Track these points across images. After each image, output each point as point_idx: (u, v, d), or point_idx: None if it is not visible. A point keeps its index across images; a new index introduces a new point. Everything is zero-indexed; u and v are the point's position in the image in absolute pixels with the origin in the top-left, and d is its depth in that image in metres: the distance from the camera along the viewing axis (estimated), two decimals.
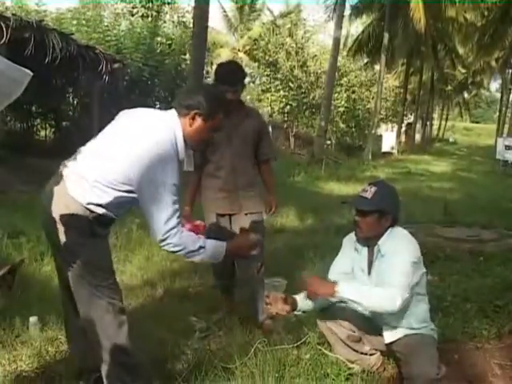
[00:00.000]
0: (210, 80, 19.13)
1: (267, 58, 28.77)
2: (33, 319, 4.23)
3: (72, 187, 2.86)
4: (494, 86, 79.37)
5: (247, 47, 34.64)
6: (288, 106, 28.64)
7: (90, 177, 2.86)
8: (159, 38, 18.80)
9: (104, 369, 3.04)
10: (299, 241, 7.75)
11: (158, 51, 18.41)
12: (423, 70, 42.26)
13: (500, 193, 14.11)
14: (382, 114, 38.54)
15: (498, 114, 56.40)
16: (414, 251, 3.32)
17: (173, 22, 22.98)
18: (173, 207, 2.87)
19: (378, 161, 26.60)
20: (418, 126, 49.83)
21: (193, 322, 4.56)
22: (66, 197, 2.86)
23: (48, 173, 3.06)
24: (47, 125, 17.65)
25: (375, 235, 3.39)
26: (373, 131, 30.38)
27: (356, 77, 33.54)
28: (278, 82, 28.73)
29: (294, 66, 28.71)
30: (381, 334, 3.49)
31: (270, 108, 29.09)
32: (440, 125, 64.12)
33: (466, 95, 63.62)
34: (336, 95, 29.16)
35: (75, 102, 18.38)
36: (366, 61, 37.59)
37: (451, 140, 64.59)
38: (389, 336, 3.46)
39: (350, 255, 3.61)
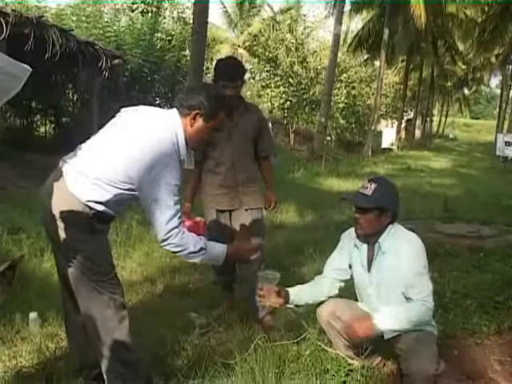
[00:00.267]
0: (209, 76, 19.12)
1: (267, 53, 28.69)
2: (33, 315, 4.23)
3: (72, 184, 2.86)
4: (494, 82, 79.45)
5: (247, 43, 34.59)
6: (288, 102, 28.56)
7: (91, 174, 2.86)
8: (159, 34, 18.78)
9: (104, 364, 3.04)
10: (299, 237, 7.74)
11: (158, 47, 18.38)
12: (423, 66, 42.28)
13: (500, 189, 14.10)
14: (382, 110, 38.62)
15: (497, 110, 56.54)
16: (423, 251, 3.35)
17: (173, 17, 22.95)
18: (174, 208, 2.88)
19: (377, 157, 26.57)
20: (418, 122, 49.82)
21: (193, 318, 4.56)
22: (65, 193, 2.86)
23: (48, 169, 3.06)
24: (47, 121, 17.60)
25: (375, 232, 3.39)
26: (373, 127, 30.37)
27: (356, 73, 33.49)
28: (277, 78, 28.65)
29: (294, 62, 28.63)
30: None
31: (269, 104, 29.02)
32: (440, 121, 64.07)
33: (466, 91, 63.53)
34: (336, 91, 29.12)
35: (75, 98, 18.34)
36: (366, 57, 37.61)
37: (451, 136, 64.53)
38: (388, 332, 3.46)
39: (348, 251, 3.61)
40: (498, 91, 65.12)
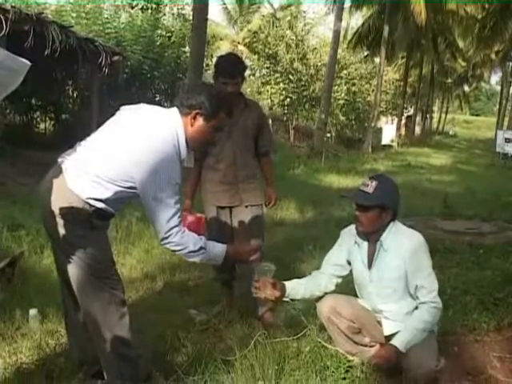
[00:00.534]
0: (209, 73, 19.09)
1: (267, 50, 28.64)
2: (33, 312, 4.24)
3: (71, 181, 2.86)
4: (494, 79, 79.32)
5: (247, 40, 34.57)
6: (288, 99, 28.53)
7: (91, 172, 2.86)
8: (159, 31, 18.74)
9: (104, 361, 3.05)
10: (299, 233, 7.75)
11: (158, 44, 18.36)
12: (423, 63, 42.22)
13: (500, 186, 14.09)
14: (382, 107, 38.55)
15: (497, 106, 56.49)
16: (426, 249, 3.39)
17: (172, 14, 22.89)
18: (175, 206, 2.89)
19: (377, 153, 26.55)
20: (418, 118, 49.83)
21: (192, 315, 4.56)
22: (65, 190, 2.85)
23: (48, 165, 3.06)
24: (47, 117, 17.58)
25: (376, 230, 3.39)
26: (373, 124, 30.36)
27: (356, 69, 33.47)
28: (277, 75, 28.63)
29: (294, 59, 28.59)
30: (380, 325, 3.52)
31: (269, 101, 29.00)
32: (440, 118, 64.03)
33: (466, 88, 63.51)
34: (336, 88, 29.09)
35: (75, 95, 18.33)
36: (366, 53, 37.54)
37: (451, 133, 64.53)
38: (388, 328, 3.47)
39: (347, 248, 3.62)
40: (498, 88, 65.14)
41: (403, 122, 41.84)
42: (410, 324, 3.30)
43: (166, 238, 2.91)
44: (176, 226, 2.90)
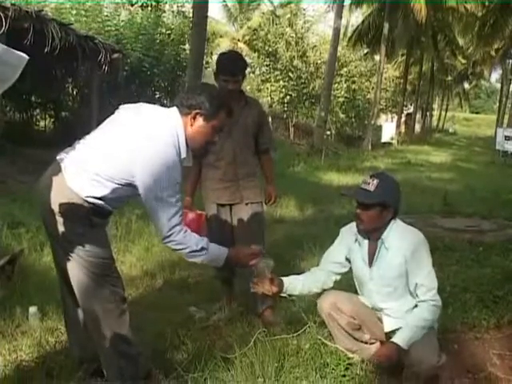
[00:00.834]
0: (209, 70, 19.10)
1: (267, 48, 28.63)
2: (33, 309, 4.24)
3: (70, 178, 2.86)
4: (494, 76, 79.29)
5: (247, 37, 34.57)
6: (288, 97, 28.53)
7: (91, 170, 2.86)
8: (159, 29, 18.73)
9: (104, 358, 3.05)
10: (299, 231, 7.75)
11: (158, 41, 18.34)
12: (423, 61, 42.24)
13: (499, 183, 14.10)
14: (382, 105, 38.56)
15: (497, 104, 56.49)
16: (427, 247, 3.40)
17: (172, 11, 22.87)
18: (176, 205, 2.90)
19: (377, 151, 26.57)
20: (418, 116, 49.83)
21: (192, 312, 4.57)
22: (64, 188, 2.85)
23: (47, 163, 3.05)
24: (46, 115, 17.57)
25: (377, 228, 3.39)
26: (372, 121, 30.37)
27: (356, 67, 33.43)
28: (277, 73, 28.62)
29: (294, 56, 28.59)
30: (381, 322, 3.52)
31: (269, 98, 29.00)
32: (440, 115, 64.03)
33: (466, 85, 63.50)
34: (336, 85, 29.08)
35: (74, 93, 18.33)
36: (366, 51, 37.61)
37: (451, 130, 64.53)
38: (389, 325, 3.48)
39: (347, 246, 3.62)
40: (498, 85, 65.15)
41: (403, 119, 41.86)
42: (410, 321, 3.30)
43: (168, 236, 2.91)
44: (178, 225, 2.91)
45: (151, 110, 3.10)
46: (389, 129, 35.51)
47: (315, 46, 30.77)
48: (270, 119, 21.28)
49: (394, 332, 3.37)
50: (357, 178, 14.17)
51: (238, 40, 35.51)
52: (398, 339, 3.24)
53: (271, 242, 6.02)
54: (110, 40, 15.74)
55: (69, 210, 2.84)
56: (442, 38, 38.47)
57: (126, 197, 3.03)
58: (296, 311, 4.41)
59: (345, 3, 25.98)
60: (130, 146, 2.85)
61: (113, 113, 3.10)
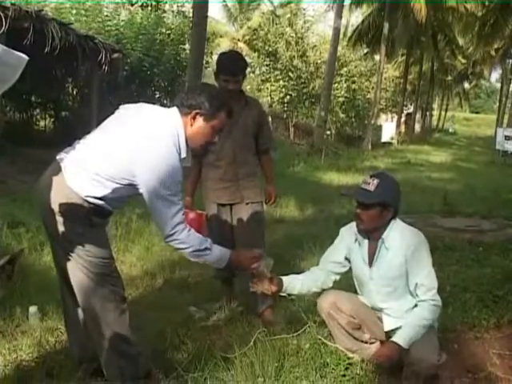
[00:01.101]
0: (209, 70, 19.09)
1: (267, 47, 28.62)
2: (33, 309, 4.24)
3: (70, 178, 2.86)
4: (494, 76, 79.23)
5: (247, 37, 34.58)
6: (288, 96, 28.52)
7: (91, 170, 2.86)
8: (160, 29, 18.72)
9: (104, 358, 3.05)
10: (299, 231, 7.75)
11: (158, 41, 18.34)
12: (423, 60, 42.21)
13: (499, 183, 14.09)
14: (382, 104, 38.56)
15: (497, 104, 56.49)
16: (427, 247, 3.41)
17: (172, 11, 22.86)
18: (178, 203, 2.91)
19: (377, 151, 26.55)
20: (418, 116, 49.79)
21: (192, 312, 4.57)
22: (64, 187, 2.85)
23: (47, 163, 3.05)
24: (47, 115, 17.56)
25: (377, 227, 3.39)
26: (372, 121, 30.36)
27: (356, 67, 33.41)
28: (277, 72, 28.61)
29: (294, 56, 28.58)
30: (381, 322, 3.53)
31: (269, 98, 29.00)
32: (440, 115, 64.03)
33: (465, 85, 63.46)
34: (336, 85, 29.06)
35: (74, 92, 18.33)
36: (365, 51, 37.58)
37: (451, 130, 64.43)
38: (389, 324, 3.48)
39: (347, 245, 3.62)
40: (498, 85, 65.14)
41: (403, 119, 41.83)
42: (410, 321, 3.31)
43: (171, 235, 2.91)
44: (181, 223, 2.91)
45: (151, 109, 3.10)
46: (389, 129, 35.50)
47: (315, 45, 30.75)
48: (269, 119, 21.28)
49: (393, 331, 3.37)
50: (357, 177, 14.17)
51: (238, 40, 35.53)
52: (399, 339, 3.24)
53: (271, 242, 6.02)
54: (110, 40, 15.74)
55: (69, 209, 2.84)
56: (442, 38, 38.46)
57: (126, 197, 3.03)
58: (296, 311, 4.41)
59: (345, 3, 26.00)
60: (130, 146, 2.85)
61: (113, 112, 3.10)
